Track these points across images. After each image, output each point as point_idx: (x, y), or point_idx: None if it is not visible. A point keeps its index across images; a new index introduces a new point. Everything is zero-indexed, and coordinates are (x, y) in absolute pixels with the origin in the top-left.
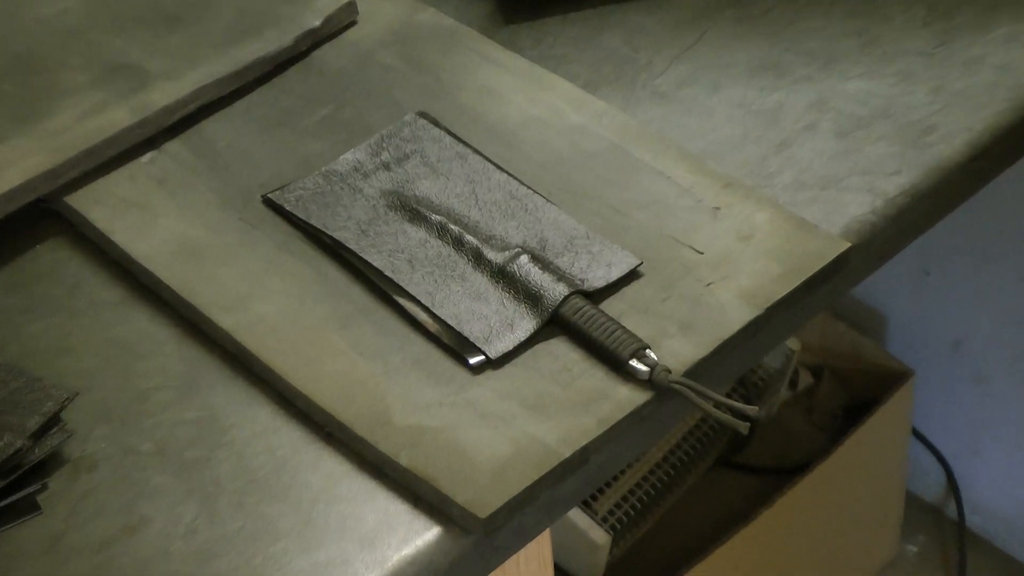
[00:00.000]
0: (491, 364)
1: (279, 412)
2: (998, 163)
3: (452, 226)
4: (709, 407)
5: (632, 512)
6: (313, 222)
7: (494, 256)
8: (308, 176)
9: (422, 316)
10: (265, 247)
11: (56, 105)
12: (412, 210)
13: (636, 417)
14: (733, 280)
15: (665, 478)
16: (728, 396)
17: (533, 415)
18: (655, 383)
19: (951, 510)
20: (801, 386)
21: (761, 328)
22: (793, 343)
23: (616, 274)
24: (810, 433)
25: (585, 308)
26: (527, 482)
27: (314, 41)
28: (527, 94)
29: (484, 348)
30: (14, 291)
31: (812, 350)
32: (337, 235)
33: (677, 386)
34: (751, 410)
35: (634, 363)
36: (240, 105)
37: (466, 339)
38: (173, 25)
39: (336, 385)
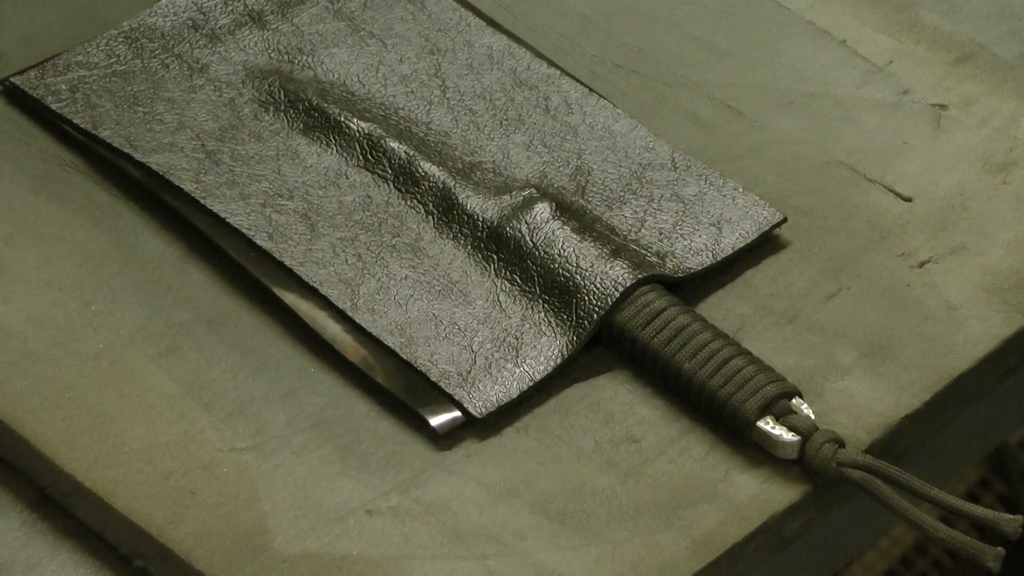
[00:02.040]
0: (473, 427)
1: (39, 527)
2: None
3: (393, 143)
4: (926, 518)
5: None
6: (105, 134)
7: (480, 205)
8: (95, 40)
9: (332, 330)
10: (9, 184)
11: None
12: (312, 109)
13: (773, 539)
14: (975, 255)
15: None
16: (970, 499)
17: (560, 533)
18: (813, 467)
19: None
20: None
21: None
22: None
23: (733, 243)
24: None
25: (668, 313)
26: None
27: None
28: None
29: (459, 396)
30: None
31: None
32: (155, 161)
33: (858, 475)
34: (1012, 523)
35: (768, 426)
36: None
37: (424, 377)
38: None
39: (155, 472)
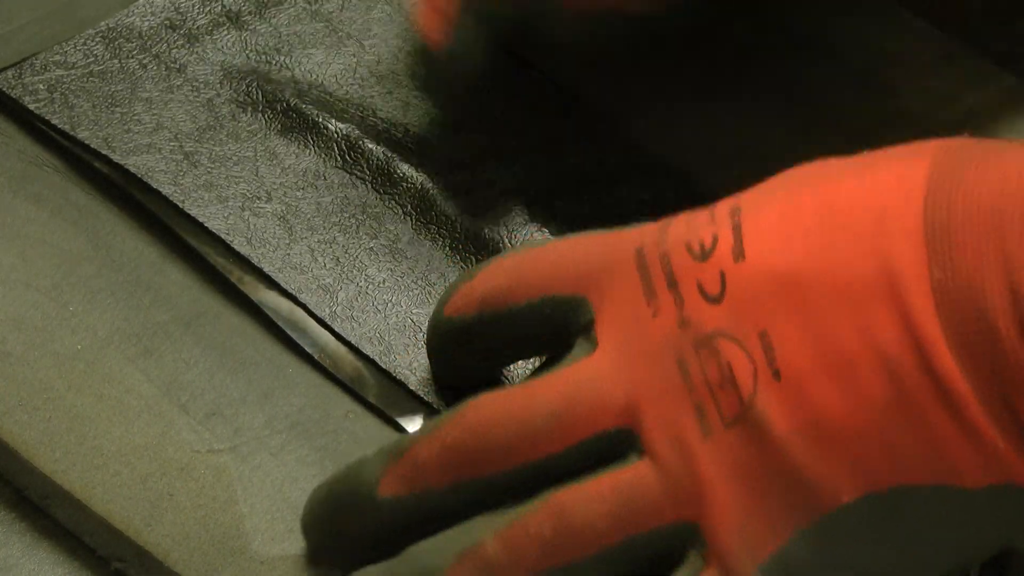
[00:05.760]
0: None
1: (16, 527)
2: None
3: (371, 144)
4: None
5: None
6: (83, 135)
7: (459, 206)
8: (72, 39)
9: (312, 334)
10: None
11: None
12: (290, 110)
13: None
14: None
15: None
16: None
17: None
18: None
19: None
20: None
21: None
22: None
23: None
24: None
25: None
26: None
27: None
28: None
29: (439, 406)
30: None
31: None
32: (132, 163)
33: None
34: None
35: None
36: None
37: (402, 384)
38: None
39: (133, 474)
